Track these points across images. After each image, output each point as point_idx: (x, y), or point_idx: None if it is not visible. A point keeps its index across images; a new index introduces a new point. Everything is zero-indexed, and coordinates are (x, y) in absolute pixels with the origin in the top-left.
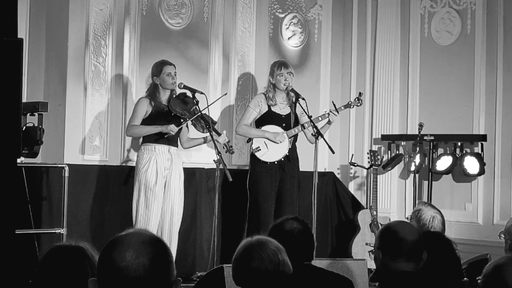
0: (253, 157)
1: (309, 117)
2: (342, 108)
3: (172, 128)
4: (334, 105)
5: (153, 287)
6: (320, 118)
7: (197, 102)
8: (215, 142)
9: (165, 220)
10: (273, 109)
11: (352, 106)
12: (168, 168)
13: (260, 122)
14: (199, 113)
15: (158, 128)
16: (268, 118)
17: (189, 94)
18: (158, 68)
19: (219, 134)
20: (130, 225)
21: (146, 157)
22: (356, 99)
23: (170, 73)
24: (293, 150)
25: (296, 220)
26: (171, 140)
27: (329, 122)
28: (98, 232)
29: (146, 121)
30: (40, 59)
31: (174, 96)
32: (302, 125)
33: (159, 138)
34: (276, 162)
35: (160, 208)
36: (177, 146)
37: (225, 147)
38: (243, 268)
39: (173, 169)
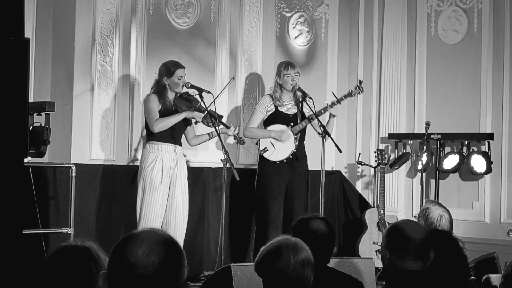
0: (261, 158)
1: (316, 116)
2: (343, 98)
3: (198, 115)
4: (335, 95)
5: (160, 287)
6: (322, 111)
7: (202, 98)
8: (225, 135)
9: (169, 219)
10: (280, 109)
11: (353, 95)
12: (173, 168)
13: (268, 122)
14: (205, 109)
15: (184, 114)
16: (276, 118)
17: (195, 93)
18: (171, 69)
19: (227, 127)
20: (136, 225)
21: (152, 155)
22: (356, 87)
23: (182, 77)
24: (301, 148)
25: (324, 222)
26: (176, 139)
27: (331, 115)
28: (105, 232)
29: None
30: (47, 58)
31: (177, 95)
32: (308, 118)
33: (165, 137)
34: (284, 161)
35: (164, 208)
36: (181, 145)
37: (235, 138)
38: (268, 262)
39: (179, 168)
